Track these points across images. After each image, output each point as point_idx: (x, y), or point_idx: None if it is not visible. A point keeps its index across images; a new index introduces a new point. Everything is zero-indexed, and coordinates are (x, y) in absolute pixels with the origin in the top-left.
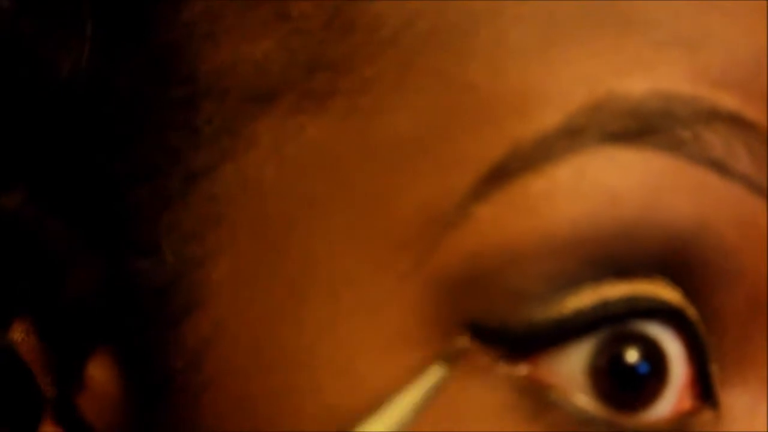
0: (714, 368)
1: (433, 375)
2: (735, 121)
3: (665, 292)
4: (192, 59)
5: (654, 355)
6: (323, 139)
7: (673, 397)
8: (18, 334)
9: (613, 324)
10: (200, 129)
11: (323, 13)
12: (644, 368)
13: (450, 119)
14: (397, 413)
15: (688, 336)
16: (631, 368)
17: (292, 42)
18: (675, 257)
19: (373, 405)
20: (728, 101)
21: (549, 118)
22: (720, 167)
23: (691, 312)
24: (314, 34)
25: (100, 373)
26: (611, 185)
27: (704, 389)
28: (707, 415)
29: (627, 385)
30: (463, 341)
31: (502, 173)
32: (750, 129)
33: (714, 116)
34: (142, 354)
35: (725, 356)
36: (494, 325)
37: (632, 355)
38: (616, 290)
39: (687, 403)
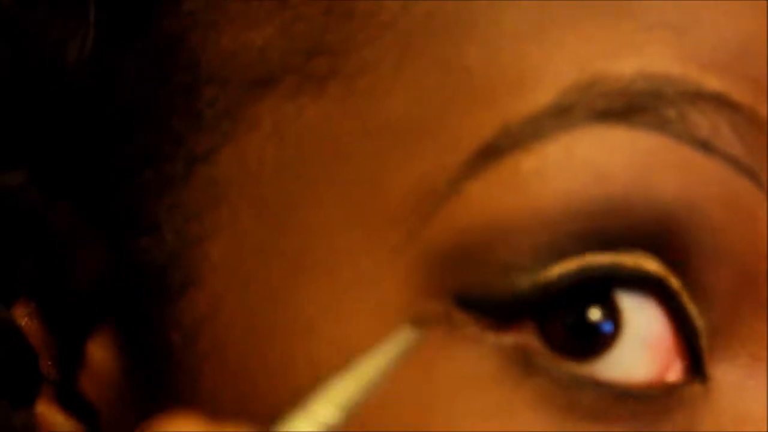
0: (703, 342)
1: (404, 337)
2: (721, 102)
3: (648, 263)
4: (195, 47)
5: (608, 309)
6: (322, 120)
7: (656, 360)
8: (22, 317)
9: (596, 290)
10: (202, 113)
11: None
12: (596, 315)
13: (445, 100)
14: (366, 372)
15: (672, 307)
16: (584, 319)
17: (293, 28)
18: (662, 234)
19: None
20: (715, 83)
21: (540, 97)
22: (705, 146)
23: (674, 282)
24: (314, 20)
25: (100, 352)
26: (599, 162)
27: (693, 362)
28: (696, 388)
29: (581, 336)
30: (437, 306)
31: (493, 151)
32: (735, 110)
33: (700, 97)
34: (141, 331)
35: (715, 332)
36: (480, 294)
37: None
38: (599, 259)
39: (674, 374)
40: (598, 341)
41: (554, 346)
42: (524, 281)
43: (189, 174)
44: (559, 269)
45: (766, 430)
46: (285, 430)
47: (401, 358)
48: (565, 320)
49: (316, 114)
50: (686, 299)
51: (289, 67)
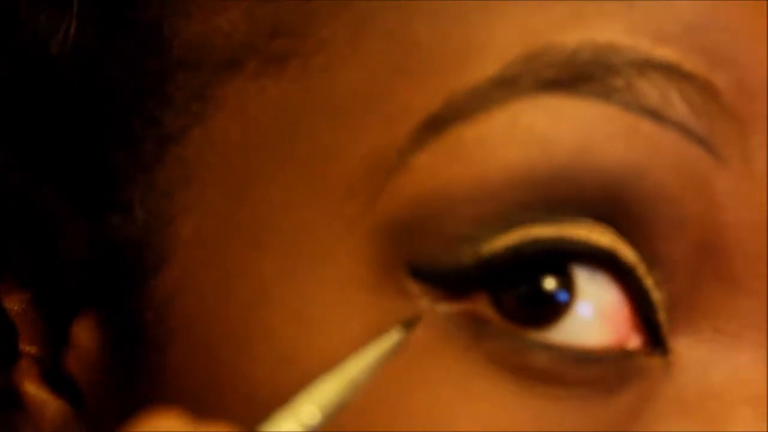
0: (662, 315)
1: (391, 337)
2: (671, 71)
3: (598, 236)
4: (167, 32)
5: (562, 279)
6: (282, 99)
7: (611, 327)
8: (16, 304)
9: (551, 262)
10: (173, 96)
11: None
12: (550, 285)
13: (396, 74)
14: (351, 372)
15: (626, 281)
16: (537, 289)
17: (256, 11)
18: (611, 203)
19: (323, 347)
20: (665, 52)
21: (485, 69)
22: (655, 114)
23: (627, 254)
24: (276, 2)
25: (84, 333)
26: (545, 131)
27: (652, 335)
28: (656, 361)
29: (534, 305)
30: (421, 304)
31: (438, 122)
32: (687, 79)
33: (648, 65)
34: (119, 311)
35: (675, 304)
36: (430, 268)
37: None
38: (546, 231)
39: (633, 342)
40: (551, 310)
41: (507, 315)
42: (468, 254)
43: (161, 154)
44: (503, 241)
45: (730, 405)
46: (268, 430)
47: (386, 359)
48: (519, 290)
49: (277, 93)
50: (642, 272)
51: (252, 49)
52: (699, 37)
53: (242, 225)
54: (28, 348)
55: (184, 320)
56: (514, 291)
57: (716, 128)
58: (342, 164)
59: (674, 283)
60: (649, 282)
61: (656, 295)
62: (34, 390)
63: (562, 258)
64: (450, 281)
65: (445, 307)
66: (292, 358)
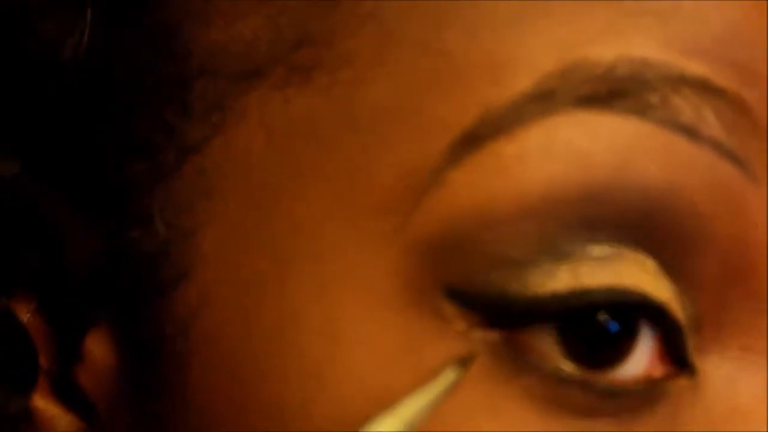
0: (688, 338)
1: (447, 377)
2: (704, 87)
3: (648, 279)
4: (186, 39)
5: (623, 313)
6: (308, 111)
7: (644, 358)
8: (24, 313)
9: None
10: (193, 105)
11: None
12: (614, 327)
13: (426, 87)
14: (407, 414)
15: (665, 323)
16: (602, 327)
17: (280, 19)
18: (647, 220)
19: (353, 368)
20: (698, 68)
21: (520, 82)
22: (689, 132)
23: (674, 306)
24: (300, 10)
25: (98, 346)
26: (583, 148)
27: (677, 356)
28: (683, 382)
29: (598, 344)
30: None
31: (474, 138)
32: (719, 95)
33: (683, 82)
34: (135, 325)
35: (702, 322)
36: (470, 293)
37: (603, 315)
38: (596, 277)
39: (660, 369)
40: (615, 352)
41: (569, 355)
42: (514, 289)
43: (180, 165)
44: (551, 285)
45: (758, 424)
46: None
47: (442, 399)
48: (581, 330)
49: (302, 105)
50: (675, 307)
51: (276, 58)
52: (729, 51)
53: (267, 240)
54: (39, 361)
55: (206, 336)
56: (575, 330)
57: (748, 145)
58: (372, 180)
59: (702, 302)
60: (679, 306)
61: (685, 317)
62: (44, 404)
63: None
64: (491, 309)
65: (482, 334)
66: (322, 378)
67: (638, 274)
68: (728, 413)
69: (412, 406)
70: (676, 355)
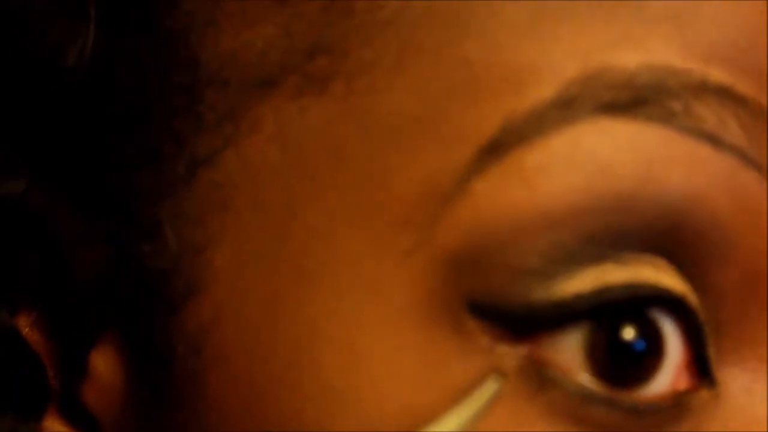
0: (711, 350)
1: (488, 389)
2: (726, 95)
3: (666, 278)
4: (194, 46)
5: (650, 331)
6: (324, 121)
7: (670, 374)
8: (24, 326)
9: (613, 309)
10: (203, 115)
11: None
12: (640, 345)
13: (446, 96)
14: (452, 427)
15: (686, 320)
16: (628, 345)
17: (292, 27)
18: (670, 230)
19: (374, 383)
20: (719, 75)
21: (542, 91)
22: (712, 139)
23: (692, 299)
24: (313, 18)
25: (103, 363)
26: (605, 157)
27: (701, 368)
28: (704, 394)
29: (624, 362)
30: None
31: (497, 147)
32: (741, 102)
33: (704, 89)
34: (144, 340)
35: (722, 333)
36: (494, 306)
37: (629, 333)
38: (617, 275)
39: (683, 382)
40: (639, 366)
41: (596, 371)
42: (538, 296)
43: (191, 177)
44: (575, 286)
45: None
46: None
47: (485, 411)
48: (602, 344)
49: (318, 114)
50: (703, 314)
51: (289, 66)
52: (748, 58)
53: (283, 254)
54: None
55: (221, 353)
56: (601, 348)
57: (765, 151)
58: (392, 191)
59: (722, 311)
60: (706, 314)
61: (707, 328)
62: (50, 424)
63: (639, 305)
64: (515, 318)
65: (505, 349)
66: (342, 396)
67: (658, 274)
68: (745, 424)
69: (455, 421)
70: (700, 354)
